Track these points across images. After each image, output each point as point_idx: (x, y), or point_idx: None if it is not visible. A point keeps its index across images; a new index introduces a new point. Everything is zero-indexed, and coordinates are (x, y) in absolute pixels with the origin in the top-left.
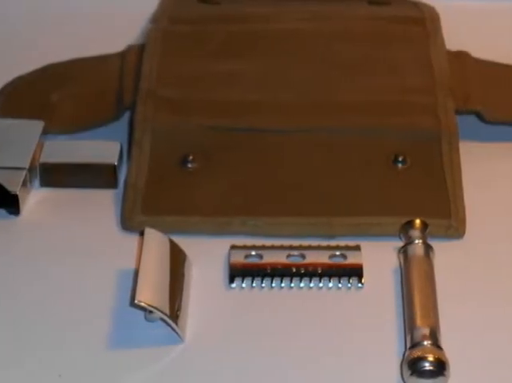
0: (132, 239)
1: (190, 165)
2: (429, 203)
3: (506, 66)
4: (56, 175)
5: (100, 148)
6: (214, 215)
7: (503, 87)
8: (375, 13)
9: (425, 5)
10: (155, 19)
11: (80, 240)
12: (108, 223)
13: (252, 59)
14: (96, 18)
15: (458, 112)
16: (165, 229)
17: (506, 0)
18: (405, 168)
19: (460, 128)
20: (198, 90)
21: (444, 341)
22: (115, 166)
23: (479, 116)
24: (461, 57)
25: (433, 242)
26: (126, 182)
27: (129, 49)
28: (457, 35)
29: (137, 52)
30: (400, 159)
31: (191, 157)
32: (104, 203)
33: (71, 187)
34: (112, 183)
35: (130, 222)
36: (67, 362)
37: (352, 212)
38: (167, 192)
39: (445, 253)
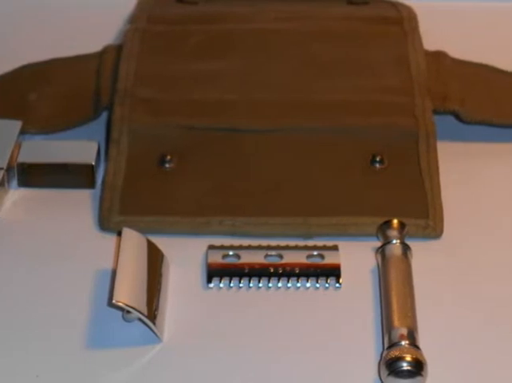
0: (110, 239)
1: (167, 165)
2: (407, 203)
3: (484, 66)
4: (33, 175)
5: (77, 147)
6: (192, 214)
7: (481, 87)
8: (353, 13)
9: (403, 5)
10: (133, 19)
11: (58, 240)
12: (85, 223)
13: (230, 59)
14: (74, 18)
15: (436, 112)
16: (143, 229)
17: (484, 0)
18: (383, 168)
19: (438, 128)
20: (175, 90)
21: (422, 341)
22: (92, 166)
23: (457, 116)
24: (439, 56)
25: (411, 242)
26: (104, 182)
27: (106, 49)
28: (434, 35)
29: (114, 52)
30: (378, 159)
31: (168, 157)
32: (81, 203)
33: (49, 187)
34: (89, 183)
35: (107, 222)
36: (44, 362)
37: (329, 212)
38: (144, 192)
39: (423, 253)
